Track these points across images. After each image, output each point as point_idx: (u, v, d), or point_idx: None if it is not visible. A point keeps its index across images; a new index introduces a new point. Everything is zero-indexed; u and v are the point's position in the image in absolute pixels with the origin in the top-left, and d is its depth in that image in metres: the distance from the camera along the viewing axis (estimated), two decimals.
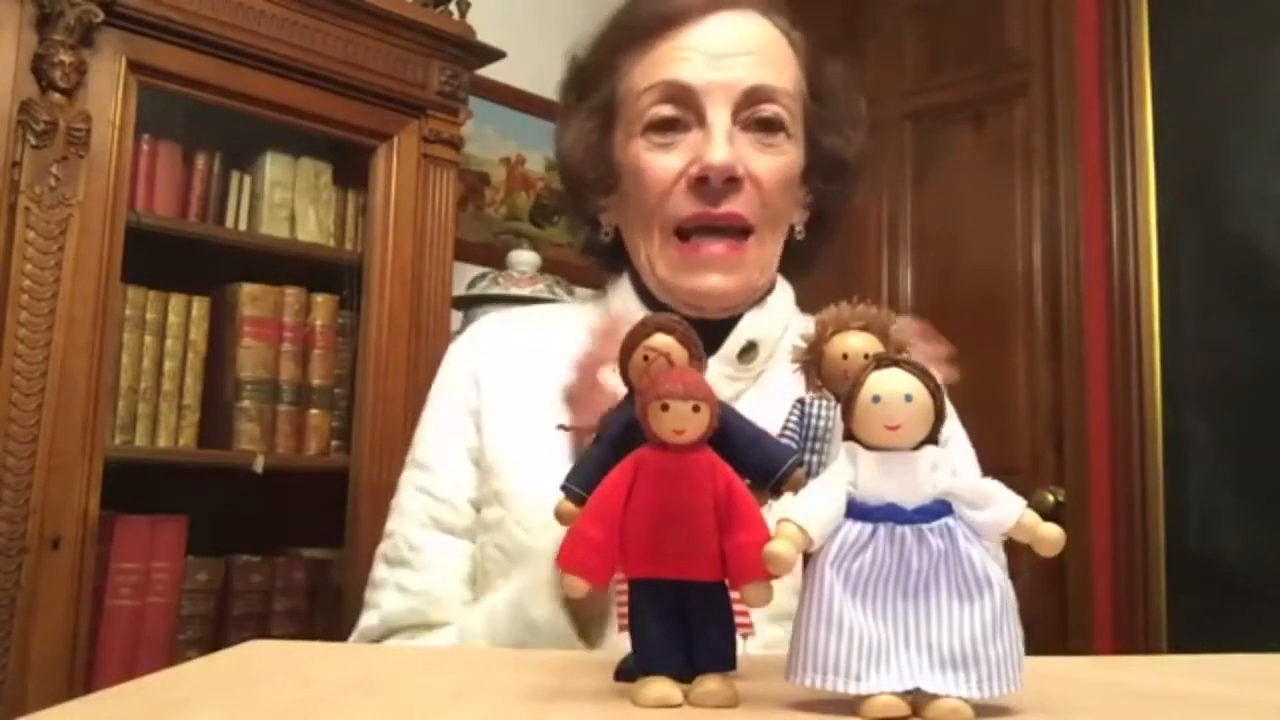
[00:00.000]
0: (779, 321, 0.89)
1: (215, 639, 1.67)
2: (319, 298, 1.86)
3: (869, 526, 0.38)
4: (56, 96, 1.49)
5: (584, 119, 0.91)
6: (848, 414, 0.39)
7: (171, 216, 1.74)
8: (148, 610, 1.62)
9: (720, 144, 0.82)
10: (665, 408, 0.38)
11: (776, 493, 0.45)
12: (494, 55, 2.03)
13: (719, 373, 0.84)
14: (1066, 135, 2.26)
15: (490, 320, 1.00)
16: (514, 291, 2.14)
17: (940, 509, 0.38)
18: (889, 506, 0.38)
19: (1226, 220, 2.04)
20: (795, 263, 0.94)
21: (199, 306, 1.75)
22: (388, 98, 1.87)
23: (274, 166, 1.86)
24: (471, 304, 2.18)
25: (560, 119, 0.95)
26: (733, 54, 0.85)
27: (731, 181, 0.83)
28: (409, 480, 0.90)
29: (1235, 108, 2.04)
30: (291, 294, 1.83)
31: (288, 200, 1.87)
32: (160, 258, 1.67)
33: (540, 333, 0.92)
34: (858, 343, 0.44)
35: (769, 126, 0.85)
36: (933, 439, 0.39)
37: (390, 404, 1.82)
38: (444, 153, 1.94)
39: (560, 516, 0.43)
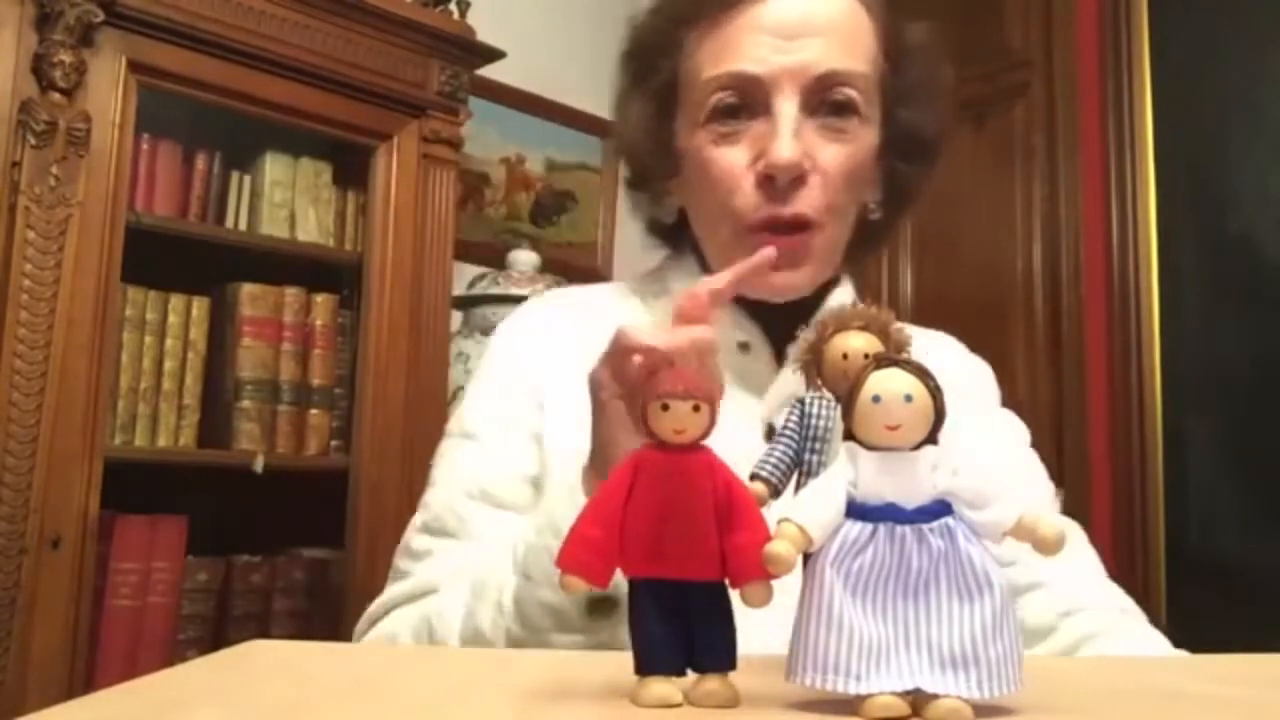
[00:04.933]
0: None
1: (215, 639, 1.67)
2: (319, 298, 1.86)
3: (869, 526, 0.38)
4: (56, 96, 1.49)
5: (645, 102, 0.88)
6: (848, 414, 0.39)
7: (171, 216, 1.74)
8: (148, 610, 1.62)
9: (786, 140, 0.78)
10: (665, 408, 0.38)
11: (776, 493, 0.45)
12: (494, 55, 2.03)
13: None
14: (1066, 135, 2.27)
15: (544, 300, 0.97)
16: (514, 291, 2.14)
17: (940, 509, 0.38)
18: (889, 506, 0.38)
19: (1226, 220, 2.04)
20: (865, 240, 0.90)
21: (199, 306, 1.75)
22: (388, 98, 1.87)
23: (274, 166, 1.86)
24: (471, 304, 2.18)
25: (620, 96, 0.92)
26: (804, 34, 0.80)
27: (797, 179, 0.80)
28: (455, 451, 0.86)
29: (1235, 108, 2.04)
30: (291, 294, 1.83)
31: (288, 200, 1.87)
32: (160, 258, 1.67)
33: (598, 316, 0.88)
34: (858, 343, 0.44)
35: (840, 110, 0.81)
36: (933, 439, 0.39)
37: (390, 404, 1.82)
38: (444, 153, 1.94)
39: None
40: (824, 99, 0.81)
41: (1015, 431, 0.95)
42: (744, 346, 0.85)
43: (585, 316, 0.89)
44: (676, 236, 0.92)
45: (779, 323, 0.83)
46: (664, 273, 0.93)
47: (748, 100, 0.81)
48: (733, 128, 0.82)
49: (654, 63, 0.87)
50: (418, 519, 0.85)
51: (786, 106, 0.79)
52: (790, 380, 0.82)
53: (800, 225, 0.81)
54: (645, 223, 0.95)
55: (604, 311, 0.88)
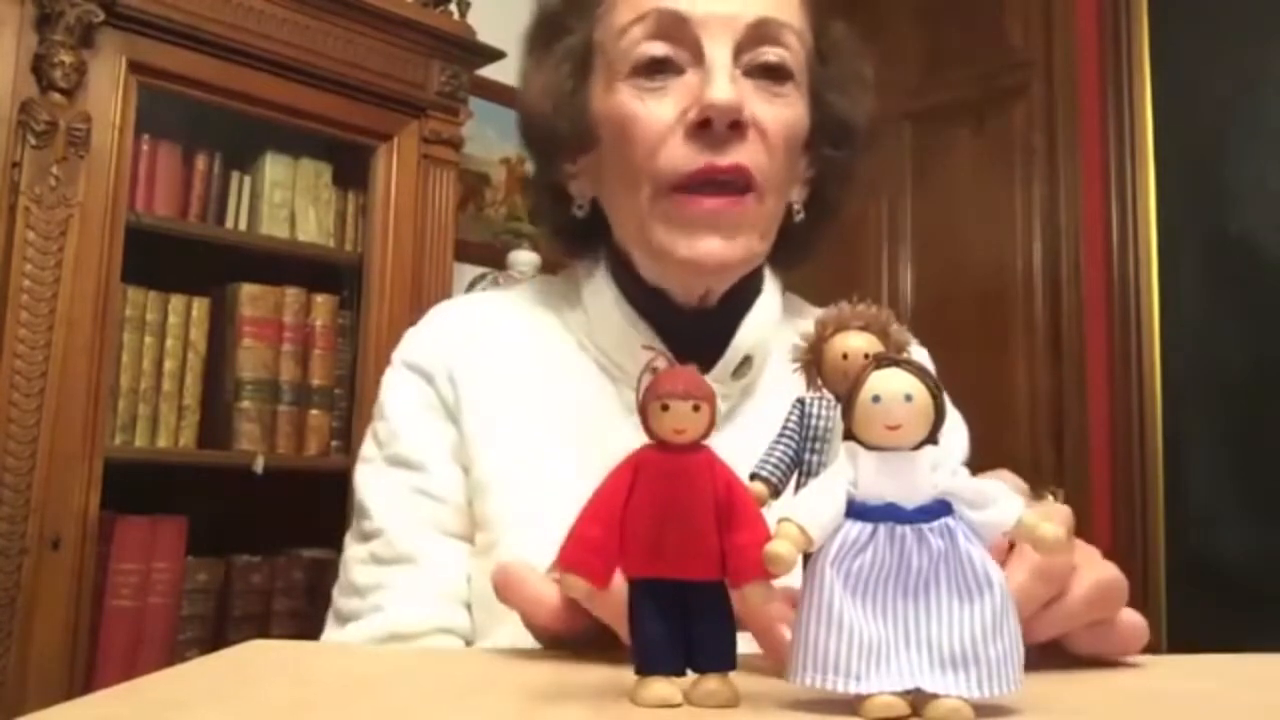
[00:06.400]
0: (770, 328, 0.79)
1: (215, 639, 1.67)
2: (319, 298, 1.86)
3: (869, 526, 0.38)
4: (56, 96, 1.49)
5: (555, 65, 0.77)
6: (848, 414, 0.39)
7: (171, 216, 1.74)
8: (148, 610, 1.62)
9: (723, 81, 0.69)
10: (665, 407, 0.38)
11: (776, 493, 0.45)
12: (494, 55, 2.03)
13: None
14: (1066, 135, 2.27)
15: (450, 308, 0.86)
16: None
17: (940, 509, 0.38)
18: (889, 506, 0.38)
19: (1226, 220, 2.04)
20: (791, 249, 0.81)
21: (199, 307, 1.75)
22: (388, 98, 1.87)
23: (274, 166, 1.86)
24: None
25: (524, 70, 0.81)
26: None
27: (735, 128, 0.70)
28: (388, 477, 0.78)
29: (1235, 108, 2.04)
30: (291, 294, 1.83)
31: (288, 200, 1.87)
32: (160, 258, 1.67)
33: (507, 323, 0.82)
34: (858, 343, 0.44)
35: (775, 74, 0.73)
36: (933, 439, 0.39)
37: None
38: (444, 153, 1.94)
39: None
40: (758, 57, 0.72)
41: (961, 444, 0.83)
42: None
43: (502, 327, 0.82)
44: (586, 238, 0.81)
45: (692, 343, 0.70)
46: (573, 274, 0.83)
47: (675, 47, 0.72)
48: (659, 82, 0.72)
49: (565, 25, 0.78)
50: (359, 551, 0.78)
51: (719, 52, 0.71)
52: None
53: (740, 183, 0.71)
54: (551, 227, 0.84)
55: (520, 322, 0.82)
